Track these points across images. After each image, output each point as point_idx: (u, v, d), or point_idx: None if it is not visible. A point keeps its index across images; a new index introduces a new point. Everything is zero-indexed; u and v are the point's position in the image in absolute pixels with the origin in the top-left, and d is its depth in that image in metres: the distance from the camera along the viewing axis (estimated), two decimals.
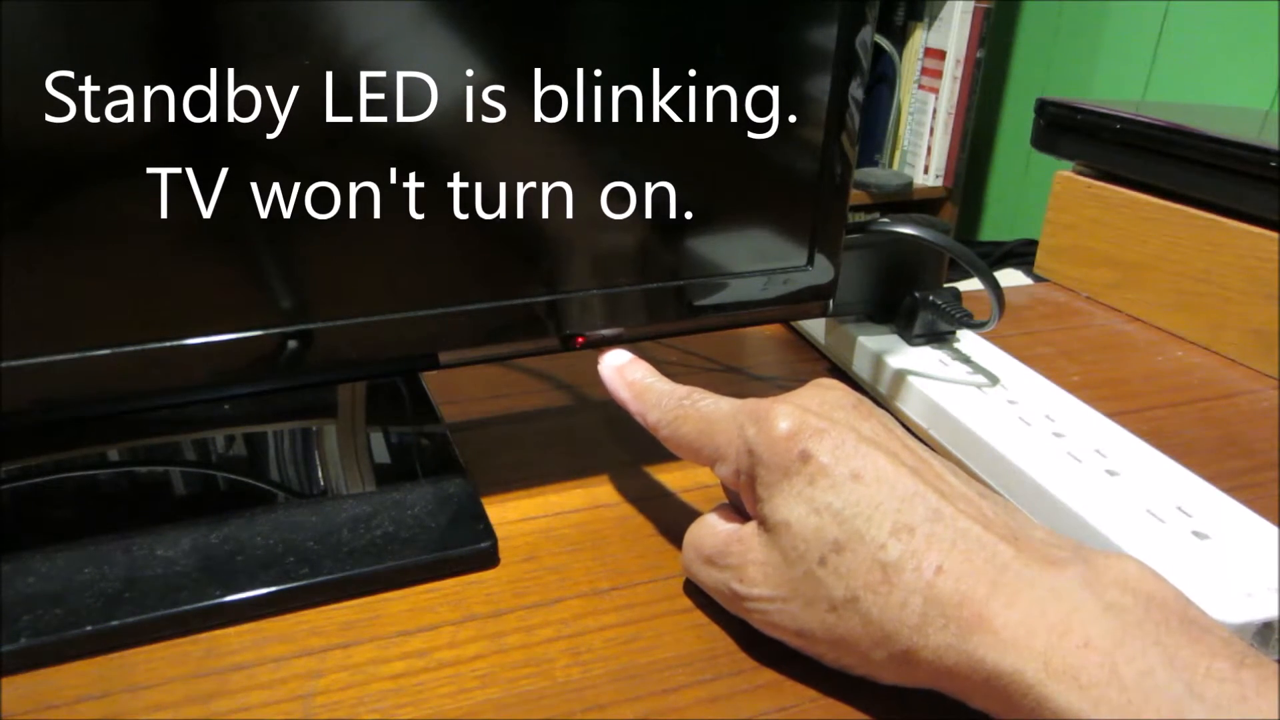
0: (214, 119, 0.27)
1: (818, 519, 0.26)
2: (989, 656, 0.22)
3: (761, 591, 0.27)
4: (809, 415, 0.27)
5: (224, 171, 0.27)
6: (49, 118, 0.25)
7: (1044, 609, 0.22)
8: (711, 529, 0.29)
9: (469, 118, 0.30)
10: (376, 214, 0.30)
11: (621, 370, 0.33)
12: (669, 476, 0.38)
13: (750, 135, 0.34)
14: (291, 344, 0.30)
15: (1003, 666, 0.22)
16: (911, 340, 0.45)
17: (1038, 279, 0.65)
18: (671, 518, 0.36)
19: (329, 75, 0.27)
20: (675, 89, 0.32)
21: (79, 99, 0.25)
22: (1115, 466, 0.35)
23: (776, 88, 0.33)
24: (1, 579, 0.29)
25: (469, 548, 0.32)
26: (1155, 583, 0.23)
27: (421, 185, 0.30)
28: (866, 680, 0.26)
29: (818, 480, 0.26)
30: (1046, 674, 0.21)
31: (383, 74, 0.28)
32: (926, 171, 1.55)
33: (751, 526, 0.28)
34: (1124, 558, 0.24)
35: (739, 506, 0.30)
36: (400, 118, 0.29)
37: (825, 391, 0.29)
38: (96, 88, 0.25)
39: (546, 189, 0.32)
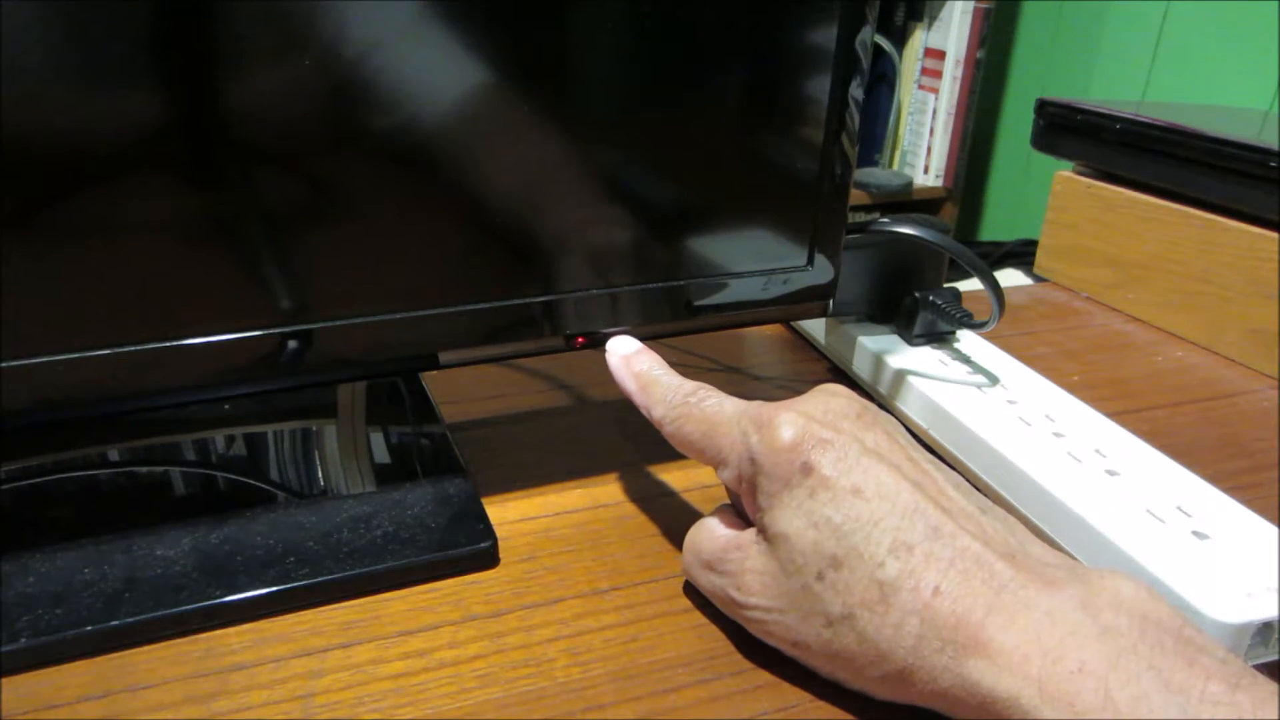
0: (214, 119, 0.27)
1: (816, 533, 0.25)
2: (984, 680, 0.22)
3: (758, 601, 0.27)
4: (813, 424, 0.27)
5: (224, 171, 0.27)
6: (49, 118, 0.25)
7: (1040, 632, 0.22)
8: (711, 534, 0.29)
9: (469, 117, 0.30)
10: (376, 214, 0.30)
11: (629, 360, 0.33)
12: (669, 476, 0.38)
13: (750, 135, 0.34)
14: (291, 344, 0.30)
15: (998, 691, 0.22)
16: (911, 340, 0.45)
17: (1038, 279, 0.65)
18: (671, 518, 0.36)
19: (329, 75, 0.27)
20: (675, 88, 0.32)
21: (79, 99, 0.25)
22: (1115, 466, 0.35)
23: (776, 88, 0.33)
24: (1, 579, 0.29)
25: (469, 548, 0.32)
26: (1150, 602, 0.23)
27: (422, 185, 0.30)
28: None
29: (818, 493, 0.26)
30: (1041, 699, 0.21)
31: (383, 74, 0.28)
32: (926, 171, 1.55)
33: (751, 534, 0.28)
34: (1119, 576, 0.24)
35: (740, 509, 0.30)
36: (400, 118, 0.29)
37: (830, 399, 0.29)
38: (96, 87, 0.25)
39: (546, 189, 0.32)
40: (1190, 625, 0.22)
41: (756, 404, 0.29)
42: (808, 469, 0.26)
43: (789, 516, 0.26)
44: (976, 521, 0.25)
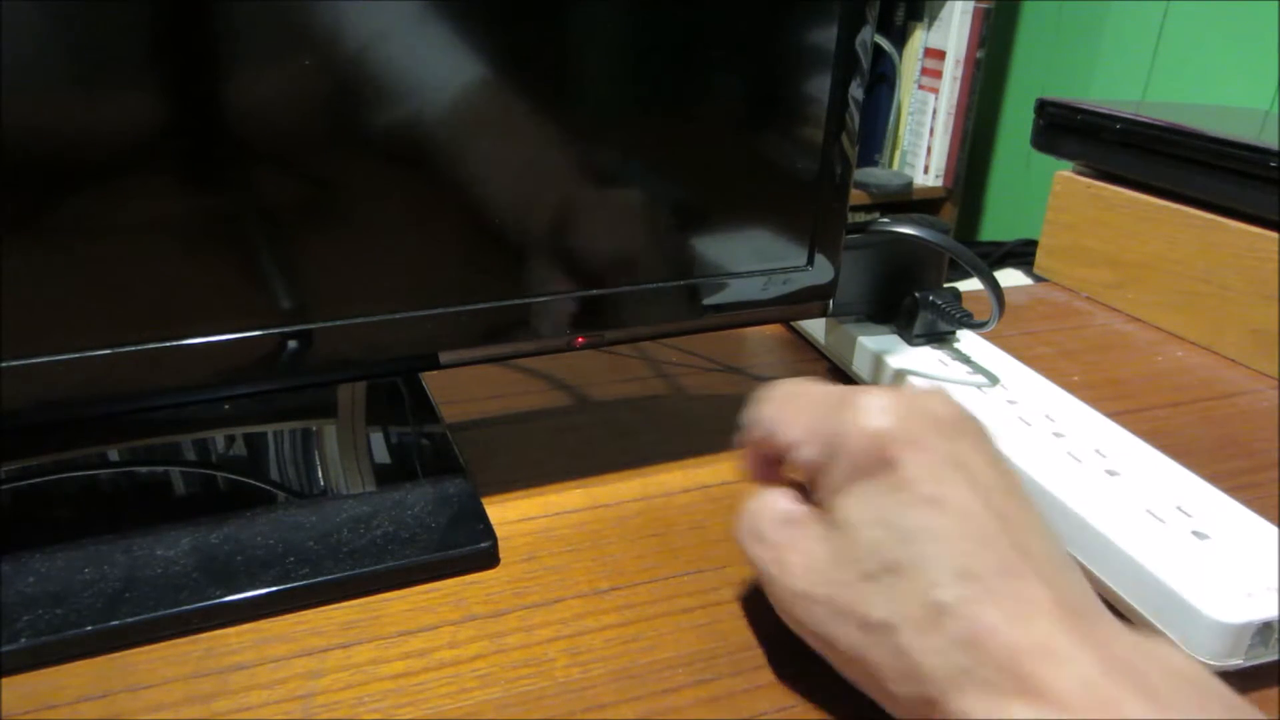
0: (214, 118, 0.27)
1: (882, 532, 0.24)
2: None
3: (798, 584, 0.26)
4: (908, 420, 0.25)
5: (224, 171, 0.27)
6: (49, 117, 0.25)
7: (1092, 686, 0.21)
8: (770, 504, 0.28)
9: (469, 117, 0.30)
10: (377, 214, 0.30)
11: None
12: (669, 476, 0.38)
13: (750, 135, 0.34)
14: (291, 344, 0.30)
15: None
16: (911, 340, 0.45)
17: (1038, 279, 0.65)
18: (671, 518, 0.36)
19: (329, 75, 0.27)
20: (676, 88, 0.32)
21: (79, 98, 0.25)
22: (1115, 466, 0.35)
23: (776, 88, 0.33)
24: (1, 579, 0.29)
25: (469, 548, 0.32)
26: (1203, 674, 0.22)
27: (421, 185, 0.30)
28: None
29: (894, 493, 0.24)
30: None
31: (383, 74, 0.28)
32: (926, 171, 1.55)
33: (811, 512, 0.27)
34: (1171, 648, 0.23)
35: (805, 490, 0.29)
36: (400, 117, 0.29)
37: (929, 398, 0.27)
38: (96, 87, 0.25)
39: (547, 189, 0.32)
40: (1235, 695, 0.22)
41: (851, 386, 0.27)
42: (889, 464, 0.25)
43: (858, 505, 0.25)
44: (1052, 572, 0.23)
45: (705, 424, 0.42)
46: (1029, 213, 1.56)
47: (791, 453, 0.28)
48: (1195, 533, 0.31)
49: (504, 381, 0.46)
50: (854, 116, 0.35)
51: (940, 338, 0.45)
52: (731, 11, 0.31)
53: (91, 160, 0.26)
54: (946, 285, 0.46)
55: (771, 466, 0.30)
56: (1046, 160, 0.63)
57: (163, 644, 0.28)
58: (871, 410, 0.26)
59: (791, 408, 0.28)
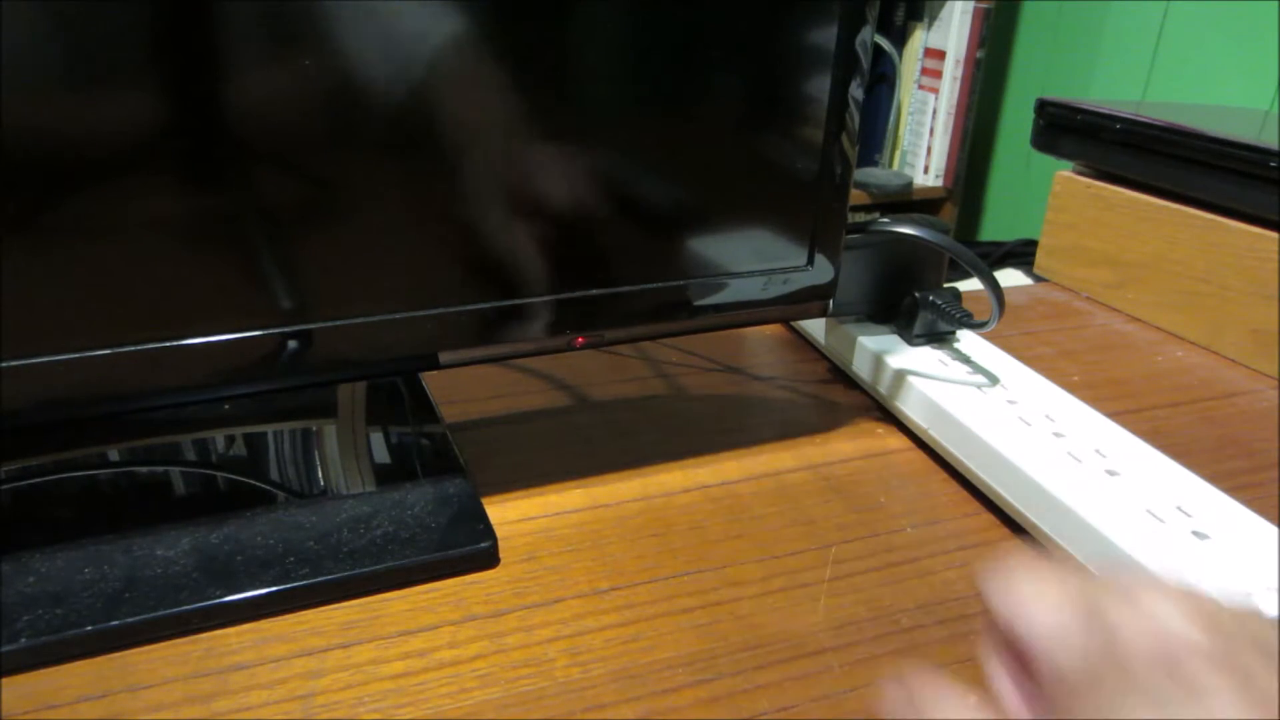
0: (214, 118, 0.27)
1: None
2: None
3: None
4: (1224, 638, 0.19)
5: (225, 171, 0.27)
6: (49, 117, 0.25)
7: None
8: None
9: (470, 118, 0.30)
10: (377, 214, 0.30)
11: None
12: (669, 476, 0.38)
13: (750, 135, 0.34)
14: (291, 344, 0.30)
15: None
16: (911, 340, 0.45)
17: (1038, 279, 0.65)
18: (671, 518, 0.36)
19: (329, 75, 0.27)
20: (676, 88, 0.32)
21: (79, 99, 0.25)
22: (1115, 466, 0.35)
23: (776, 88, 0.33)
24: (1, 579, 0.29)
25: (469, 548, 0.32)
26: None
27: (421, 185, 0.30)
28: (867, 681, 0.26)
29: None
30: None
31: (383, 75, 0.28)
32: (926, 171, 1.55)
33: None
34: None
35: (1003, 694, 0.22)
36: (400, 117, 0.29)
37: (1252, 621, 0.20)
38: (97, 87, 0.25)
39: (547, 189, 0.32)
40: None
41: (1124, 578, 0.21)
42: (1188, 688, 0.18)
43: None
44: None
45: (705, 424, 0.42)
46: (1029, 213, 1.55)
47: (1036, 649, 0.21)
48: (1195, 533, 0.31)
49: (504, 381, 0.46)
50: (854, 116, 0.35)
51: (940, 338, 0.45)
52: (731, 11, 0.31)
53: (91, 160, 0.26)
54: (946, 285, 0.46)
55: (1014, 663, 0.22)
56: (1046, 160, 0.63)
57: (163, 644, 0.28)
58: (1173, 610, 0.19)
59: (1042, 591, 0.21)
